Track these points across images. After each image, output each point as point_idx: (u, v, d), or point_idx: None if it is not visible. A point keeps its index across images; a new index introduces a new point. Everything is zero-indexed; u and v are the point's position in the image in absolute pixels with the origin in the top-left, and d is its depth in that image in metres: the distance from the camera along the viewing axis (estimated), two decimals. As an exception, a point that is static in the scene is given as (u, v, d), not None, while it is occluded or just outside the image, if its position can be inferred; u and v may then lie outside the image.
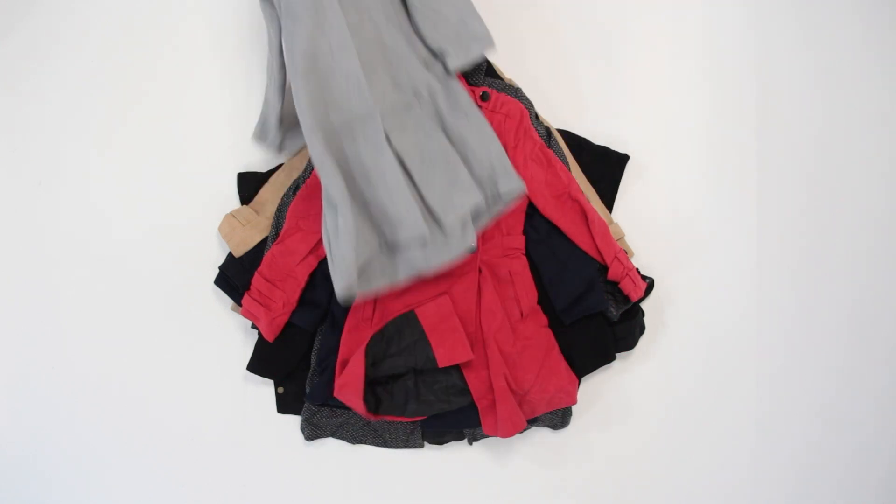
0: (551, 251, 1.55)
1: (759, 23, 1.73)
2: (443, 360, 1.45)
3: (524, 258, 1.55)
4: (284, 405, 1.61)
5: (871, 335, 1.67)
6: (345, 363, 1.49)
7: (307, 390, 1.56)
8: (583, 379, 1.58)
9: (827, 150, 1.70)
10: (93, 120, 1.71)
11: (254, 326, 1.58)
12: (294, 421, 1.62)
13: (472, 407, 1.49)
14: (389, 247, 1.42)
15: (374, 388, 1.47)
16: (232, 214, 1.60)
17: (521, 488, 1.61)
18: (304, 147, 1.63)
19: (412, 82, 1.45)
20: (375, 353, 1.45)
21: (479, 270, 1.52)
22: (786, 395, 1.65)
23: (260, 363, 1.58)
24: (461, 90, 1.47)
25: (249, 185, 1.65)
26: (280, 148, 1.60)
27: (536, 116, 1.60)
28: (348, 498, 1.61)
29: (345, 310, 1.52)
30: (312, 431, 1.59)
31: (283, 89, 1.53)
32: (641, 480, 1.62)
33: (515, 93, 1.58)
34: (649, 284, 1.60)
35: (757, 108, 1.71)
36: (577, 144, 1.65)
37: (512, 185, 1.44)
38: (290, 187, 1.58)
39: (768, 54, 1.72)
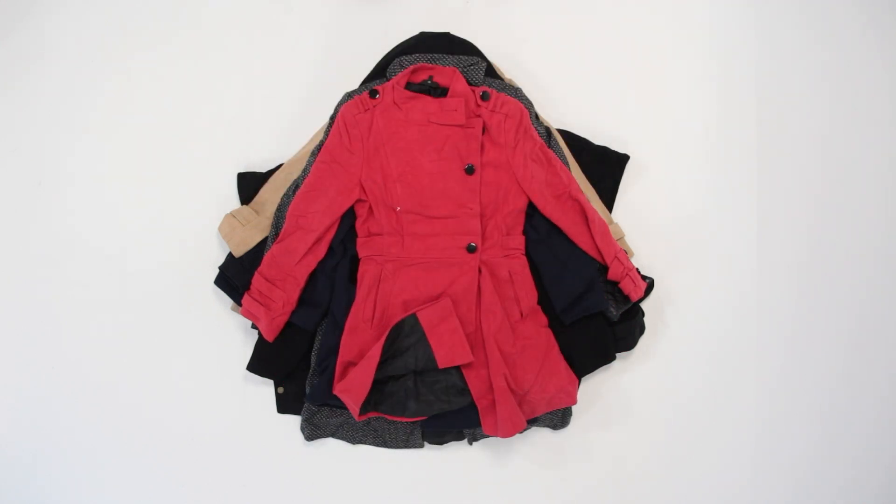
0: (551, 251, 1.54)
1: (759, 23, 1.73)
2: (443, 361, 1.45)
3: (524, 258, 1.55)
4: (284, 405, 1.61)
5: (871, 335, 1.67)
6: (345, 364, 1.49)
7: (307, 390, 1.55)
8: (583, 379, 1.58)
9: (827, 151, 1.70)
10: (93, 120, 1.71)
11: (254, 326, 1.58)
12: (294, 421, 1.62)
13: (472, 407, 1.49)
14: None
15: (375, 387, 1.47)
16: (232, 214, 1.60)
17: (521, 488, 1.61)
18: (304, 146, 1.64)
19: None
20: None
21: (479, 270, 1.52)
22: (786, 394, 1.65)
23: (260, 363, 1.58)
24: None
25: (249, 185, 1.65)
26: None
27: (536, 116, 1.60)
28: (348, 498, 1.61)
29: (345, 310, 1.52)
30: (312, 431, 1.59)
31: None
32: (641, 480, 1.62)
33: (515, 93, 1.58)
34: (649, 284, 1.59)
35: (757, 109, 1.71)
36: (577, 144, 1.65)
37: None
38: (289, 187, 1.58)
39: (769, 54, 1.72)
